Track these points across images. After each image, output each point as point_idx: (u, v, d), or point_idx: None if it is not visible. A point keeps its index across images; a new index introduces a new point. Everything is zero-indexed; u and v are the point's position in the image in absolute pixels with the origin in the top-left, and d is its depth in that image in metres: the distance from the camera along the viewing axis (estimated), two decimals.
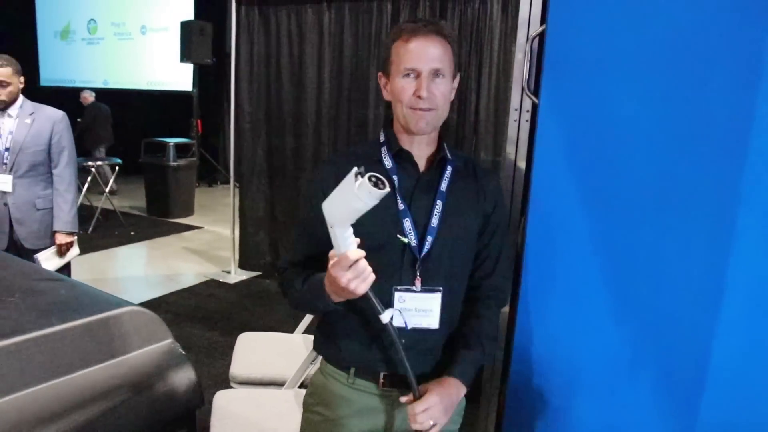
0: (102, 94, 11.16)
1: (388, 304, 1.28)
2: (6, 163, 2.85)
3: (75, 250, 3.08)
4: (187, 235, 6.59)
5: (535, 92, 1.52)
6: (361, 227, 1.32)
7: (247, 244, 5.18)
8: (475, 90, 3.91)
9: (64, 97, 11.63)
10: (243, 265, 5.25)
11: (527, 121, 1.57)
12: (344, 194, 1.04)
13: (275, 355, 2.58)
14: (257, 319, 4.16)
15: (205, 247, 6.06)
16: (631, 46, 1.35)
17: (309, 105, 4.65)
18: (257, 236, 5.15)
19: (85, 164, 6.55)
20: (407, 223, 1.29)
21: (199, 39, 8.24)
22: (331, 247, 1.36)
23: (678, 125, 1.32)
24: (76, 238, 3.05)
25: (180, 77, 9.74)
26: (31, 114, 2.91)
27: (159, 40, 10.23)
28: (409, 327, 1.29)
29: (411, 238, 1.28)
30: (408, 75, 1.26)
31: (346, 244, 1.10)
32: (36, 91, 11.54)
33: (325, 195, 1.37)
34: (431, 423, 1.22)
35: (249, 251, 5.19)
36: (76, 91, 10.42)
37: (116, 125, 10.20)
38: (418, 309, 1.30)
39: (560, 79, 1.42)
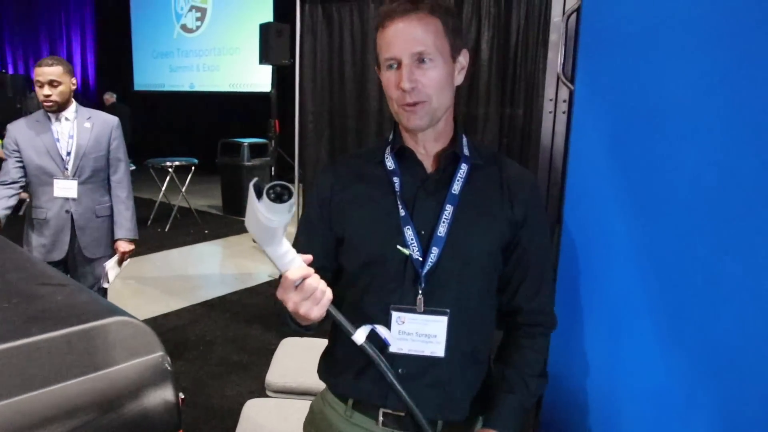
0: (187, 96, 11.66)
1: (385, 325, 1.12)
2: (68, 168, 2.75)
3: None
4: None
5: (573, 79, 1.31)
6: (358, 236, 1.17)
7: None
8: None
9: (153, 101, 12.27)
10: None
11: (564, 112, 1.36)
12: (252, 213, 0.88)
13: (314, 363, 2.47)
14: (317, 324, 4.08)
15: None
16: (683, 21, 1.11)
17: (372, 103, 4.53)
18: None
19: (162, 164, 6.78)
20: (408, 232, 1.12)
21: (277, 40, 8.33)
22: (328, 256, 1.22)
23: (738, 116, 1.08)
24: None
25: (260, 78, 9.94)
26: (88, 118, 2.82)
27: (240, 43, 10.50)
28: (404, 351, 1.12)
29: (413, 250, 1.11)
30: (391, 66, 1.09)
31: (284, 264, 0.95)
32: (131, 96, 12.25)
33: (321, 205, 1.22)
34: None
35: None
36: (165, 95, 10.88)
37: (197, 126, 10.56)
38: (419, 333, 1.12)
39: (599, 62, 1.21)
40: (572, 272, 1.31)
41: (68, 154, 2.76)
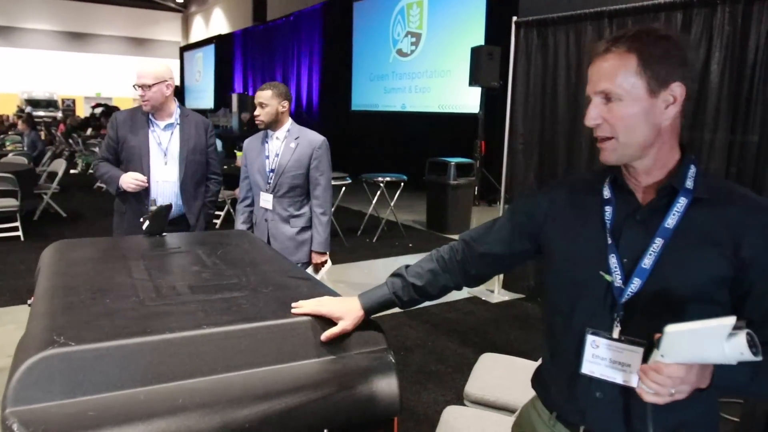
0: (399, 116, 12.36)
1: (579, 346, 1.18)
2: (270, 183, 3.07)
3: (328, 264, 3.25)
4: None
5: None
6: (564, 259, 1.24)
7: None
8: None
9: (368, 120, 13.21)
10: (507, 285, 5.25)
11: None
12: (705, 335, 0.91)
13: (513, 381, 2.51)
14: (511, 342, 4.11)
15: None
16: None
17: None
18: None
19: (374, 180, 7.29)
20: (612, 260, 1.15)
21: (488, 63, 8.56)
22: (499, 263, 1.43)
23: None
24: (328, 255, 3.22)
25: (468, 100, 10.22)
26: (296, 138, 3.05)
27: (451, 65, 10.90)
28: (596, 375, 1.16)
29: (615, 278, 1.14)
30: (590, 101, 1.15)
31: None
32: (348, 115, 13.40)
33: (530, 219, 1.32)
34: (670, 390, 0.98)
35: (514, 272, 5.16)
36: (379, 115, 11.63)
37: (407, 145, 11.14)
38: (613, 360, 1.14)
39: None
40: None
41: (271, 171, 3.07)
